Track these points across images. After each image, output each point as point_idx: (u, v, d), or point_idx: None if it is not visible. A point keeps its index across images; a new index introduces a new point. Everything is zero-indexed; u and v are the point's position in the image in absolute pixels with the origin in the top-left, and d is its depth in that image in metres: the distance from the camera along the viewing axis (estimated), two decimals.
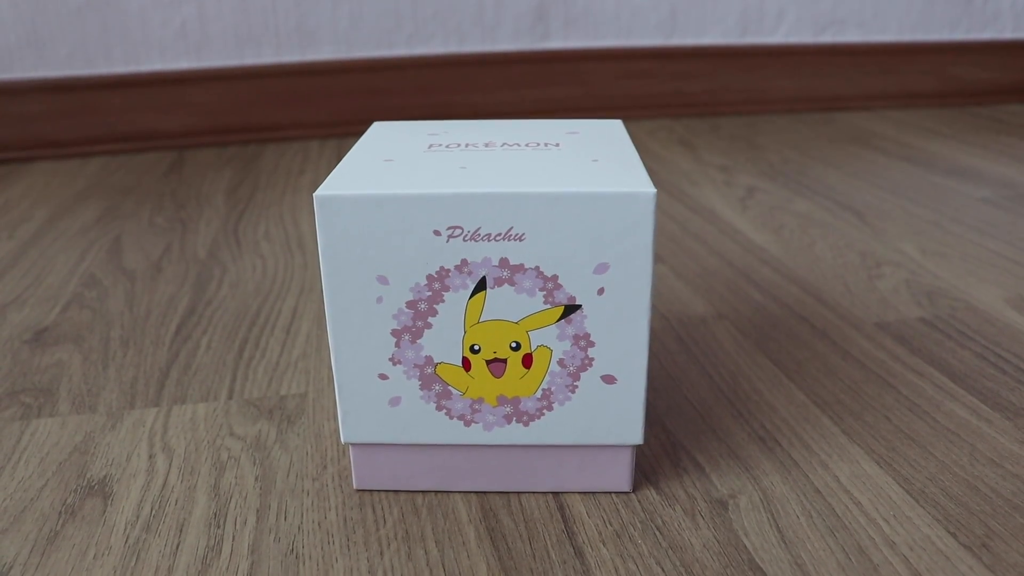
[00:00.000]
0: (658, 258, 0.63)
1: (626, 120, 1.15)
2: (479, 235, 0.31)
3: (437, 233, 0.31)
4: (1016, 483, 0.36)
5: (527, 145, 0.36)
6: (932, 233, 0.68)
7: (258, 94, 1.05)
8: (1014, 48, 1.24)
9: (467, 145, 0.36)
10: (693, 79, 1.16)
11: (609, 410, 0.34)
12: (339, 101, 1.07)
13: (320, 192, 0.31)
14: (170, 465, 0.39)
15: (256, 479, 0.38)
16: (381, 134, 0.39)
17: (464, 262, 0.31)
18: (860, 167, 0.89)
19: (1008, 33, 1.25)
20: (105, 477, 0.38)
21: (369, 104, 1.08)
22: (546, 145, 0.36)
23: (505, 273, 0.31)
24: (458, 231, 0.31)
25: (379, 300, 0.32)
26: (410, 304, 0.32)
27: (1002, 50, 1.24)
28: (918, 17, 1.21)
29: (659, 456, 0.39)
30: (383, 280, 0.32)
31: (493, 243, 0.31)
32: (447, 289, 0.32)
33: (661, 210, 0.75)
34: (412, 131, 0.40)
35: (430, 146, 0.36)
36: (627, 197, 0.30)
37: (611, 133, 0.39)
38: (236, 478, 0.38)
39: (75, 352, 0.50)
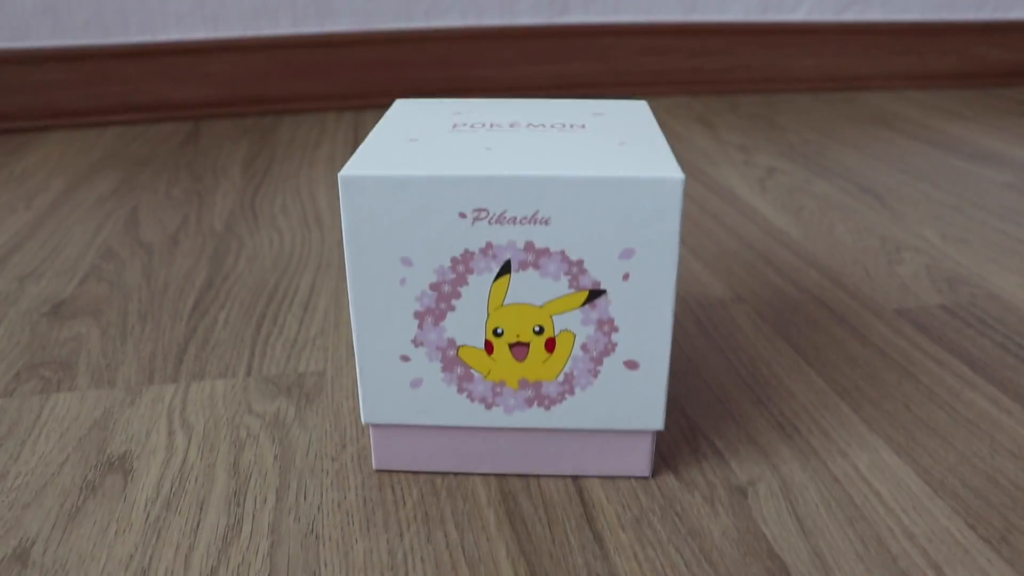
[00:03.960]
0: None
1: (645, 96, 1.13)
2: (504, 218, 0.31)
3: (463, 215, 0.31)
4: None
5: (552, 126, 0.36)
6: (953, 218, 0.67)
7: (275, 65, 1.04)
8: None
9: (492, 125, 0.36)
10: (713, 56, 1.14)
11: (631, 395, 0.34)
12: (356, 73, 1.06)
13: (344, 172, 0.30)
14: (189, 442, 0.39)
15: (275, 457, 0.38)
16: (404, 112, 0.39)
17: (489, 245, 0.31)
18: (881, 149, 0.88)
19: None
20: (125, 453, 0.38)
21: (386, 77, 1.07)
22: (572, 127, 0.36)
23: (530, 257, 0.31)
24: (484, 214, 0.31)
25: (402, 282, 0.32)
26: (434, 286, 0.32)
27: None
28: None
29: (678, 441, 0.39)
30: (407, 262, 0.32)
31: (519, 226, 0.31)
32: (471, 272, 0.32)
33: None
34: (435, 109, 0.39)
35: (454, 125, 0.36)
36: (655, 182, 0.30)
37: (637, 115, 0.38)
38: (255, 456, 0.38)
39: (93, 326, 0.50)
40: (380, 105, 1.08)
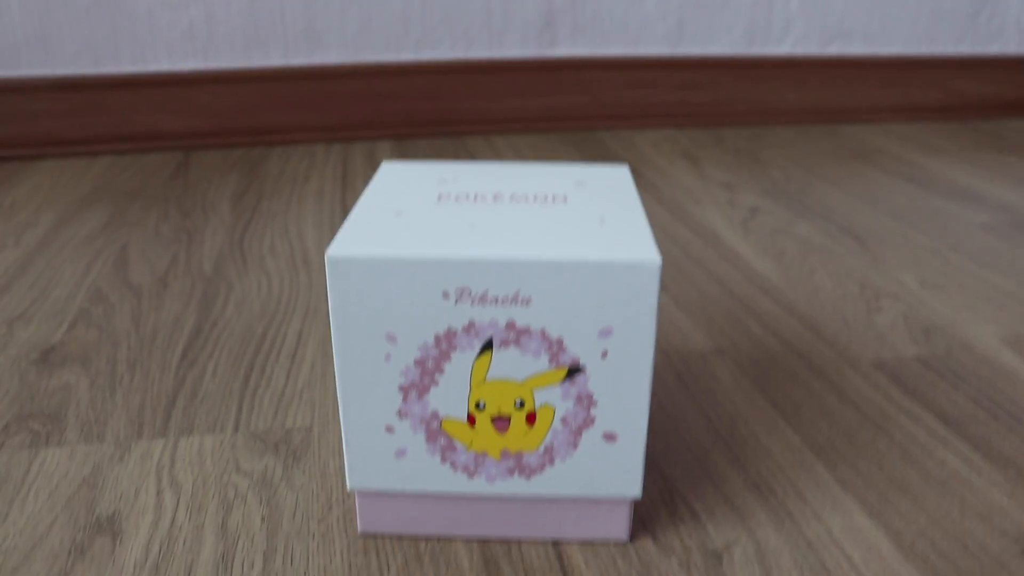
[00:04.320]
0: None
1: (631, 129, 1.15)
2: (486, 298, 0.31)
3: (446, 295, 0.32)
4: (1003, 541, 0.37)
5: (535, 199, 0.37)
6: (931, 263, 0.69)
7: (265, 96, 1.05)
8: (1018, 63, 1.25)
9: (476, 197, 0.37)
10: (699, 89, 1.16)
11: (609, 465, 0.35)
12: (346, 105, 1.07)
13: (331, 252, 0.31)
14: (178, 502, 0.40)
15: (263, 519, 0.39)
16: (391, 178, 0.40)
17: (471, 324, 0.32)
18: (862, 187, 0.89)
19: (1013, 48, 1.25)
20: (114, 513, 0.39)
21: (376, 108, 1.08)
22: (553, 199, 0.37)
23: (511, 335, 0.32)
24: (466, 294, 0.31)
25: (387, 357, 0.33)
26: (418, 362, 0.33)
27: (1006, 65, 1.24)
28: (924, 31, 1.21)
29: (656, 503, 0.40)
30: (392, 338, 0.32)
31: (500, 306, 0.32)
32: (454, 349, 0.32)
33: (664, 232, 0.76)
34: (422, 175, 0.40)
35: (439, 196, 0.37)
36: (632, 266, 0.31)
37: (617, 184, 0.39)
38: (243, 517, 0.39)
39: (82, 375, 0.51)
40: (369, 137, 1.09)
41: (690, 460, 0.43)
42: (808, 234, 0.75)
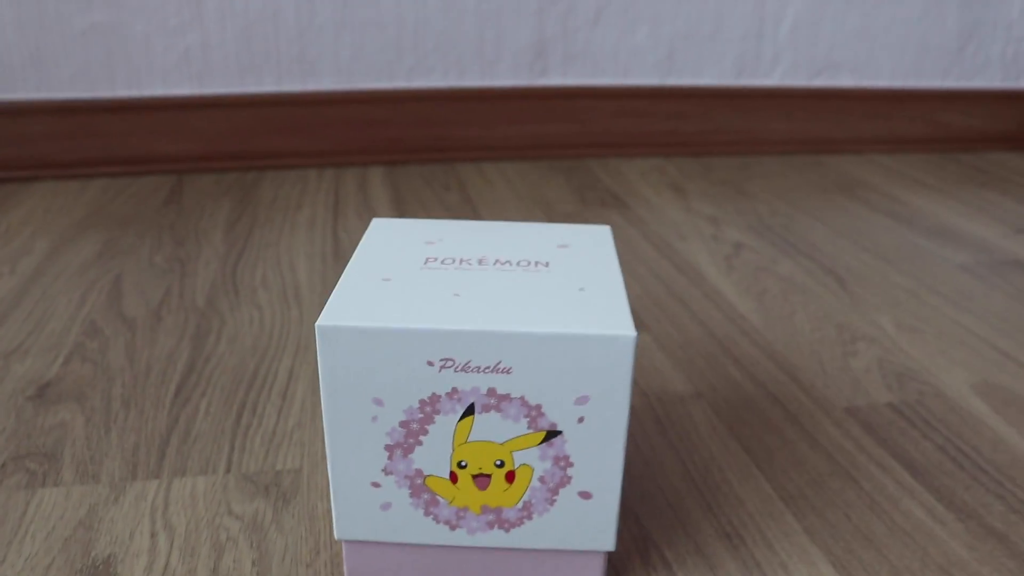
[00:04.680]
0: (643, 325, 0.66)
1: (620, 158, 1.17)
2: (469, 367, 0.33)
3: (430, 363, 0.33)
4: None
5: (518, 264, 0.38)
6: (909, 305, 0.71)
7: (258, 122, 1.06)
8: (1002, 97, 1.27)
9: (461, 261, 0.39)
10: (688, 119, 1.18)
11: (584, 520, 0.36)
12: (338, 131, 1.09)
13: (322, 322, 0.33)
14: (171, 545, 0.41)
15: (253, 563, 0.40)
16: (380, 238, 0.41)
17: (454, 390, 0.34)
18: (845, 222, 0.91)
19: (997, 82, 1.27)
20: (109, 556, 0.40)
21: (368, 135, 1.10)
22: (536, 265, 0.38)
23: (492, 401, 0.34)
24: (449, 363, 0.33)
25: (374, 419, 0.34)
26: (403, 424, 0.34)
27: (990, 99, 1.27)
28: (911, 64, 1.24)
29: (631, 552, 0.41)
30: (378, 402, 0.34)
31: (482, 375, 0.33)
32: (438, 412, 0.34)
33: (649, 269, 0.77)
34: (409, 236, 0.42)
35: (426, 260, 0.39)
36: (609, 339, 0.33)
37: (599, 248, 0.41)
38: (234, 561, 0.40)
39: (78, 412, 0.52)
40: (361, 163, 1.11)
41: (664, 508, 0.45)
42: (790, 272, 0.77)
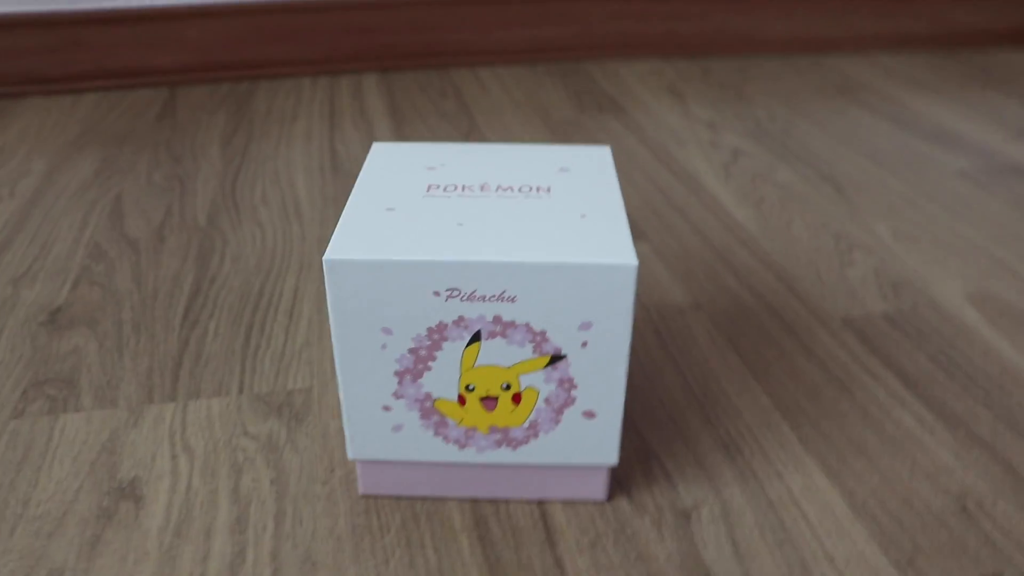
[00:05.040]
0: (642, 235, 0.66)
1: (617, 61, 1.15)
2: (475, 296, 0.34)
3: (437, 294, 0.34)
4: (945, 499, 0.41)
5: (519, 190, 0.39)
6: (906, 212, 0.71)
7: (250, 31, 1.04)
8: None
9: (463, 189, 0.39)
10: (686, 20, 1.15)
11: (588, 438, 0.38)
12: (332, 38, 1.07)
13: (329, 256, 0.33)
14: (192, 467, 0.43)
15: (271, 482, 0.42)
16: (381, 164, 0.42)
17: (461, 318, 0.34)
18: (844, 127, 0.91)
19: None
20: (134, 479, 0.42)
21: (362, 42, 1.08)
22: (537, 190, 0.39)
23: (498, 328, 0.35)
24: (456, 292, 0.34)
25: (383, 347, 0.35)
26: (411, 351, 0.35)
27: None
28: None
29: (632, 463, 0.43)
30: (387, 331, 0.35)
31: (488, 303, 0.34)
32: (445, 339, 0.35)
33: (647, 177, 0.77)
34: (410, 162, 0.42)
35: (428, 188, 0.39)
36: (611, 268, 0.33)
37: (600, 171, 0.41)
38: (253, 481, 0.42)
39: (91, 337, 0.54)
40: (355, 70, 1.09)
41: (664, 420, 0.46)
42: (788, 180, 0.77)
